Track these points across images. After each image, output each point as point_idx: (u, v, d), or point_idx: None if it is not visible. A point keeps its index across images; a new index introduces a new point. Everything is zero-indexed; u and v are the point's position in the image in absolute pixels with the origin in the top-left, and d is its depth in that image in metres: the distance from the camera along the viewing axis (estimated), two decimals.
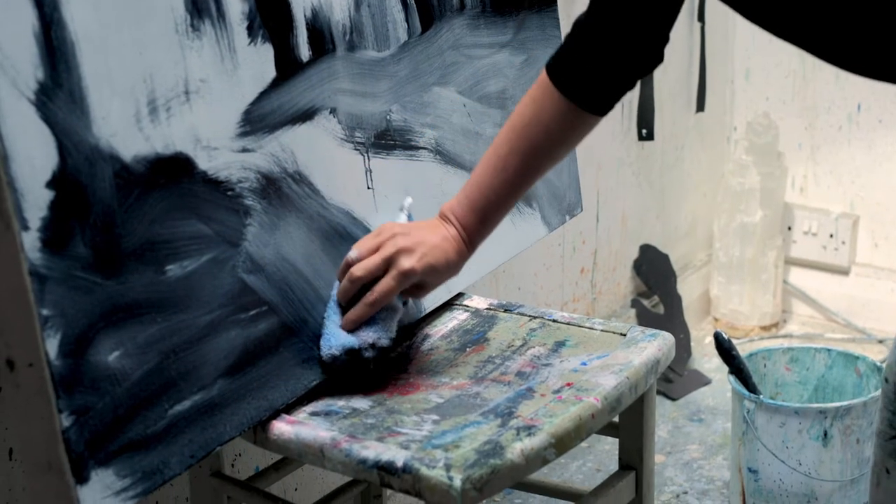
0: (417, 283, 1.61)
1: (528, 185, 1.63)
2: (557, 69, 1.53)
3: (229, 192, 1.50)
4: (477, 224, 1.62)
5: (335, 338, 1.59)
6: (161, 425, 1.39)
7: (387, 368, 1.68)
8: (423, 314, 1.79)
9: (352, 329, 1.59)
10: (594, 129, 1.59)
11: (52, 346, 1.28)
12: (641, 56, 1.51)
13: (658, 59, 1.53)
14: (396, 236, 1.59)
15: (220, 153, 1.48)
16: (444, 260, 1.60)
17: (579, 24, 1.52)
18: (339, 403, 1.61)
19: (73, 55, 1.32)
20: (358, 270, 1.58)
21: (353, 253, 1.59)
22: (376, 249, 1.59)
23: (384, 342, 1.62)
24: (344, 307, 1.61)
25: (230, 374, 1.48)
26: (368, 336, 1.60)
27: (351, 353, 1.59)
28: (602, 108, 1.55)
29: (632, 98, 2.92)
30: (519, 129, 1.57)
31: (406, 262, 1.58)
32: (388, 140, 1.73)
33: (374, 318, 1.60)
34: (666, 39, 1.52)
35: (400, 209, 1.72)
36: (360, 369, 1.62)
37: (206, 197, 1.46)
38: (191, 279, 1.44)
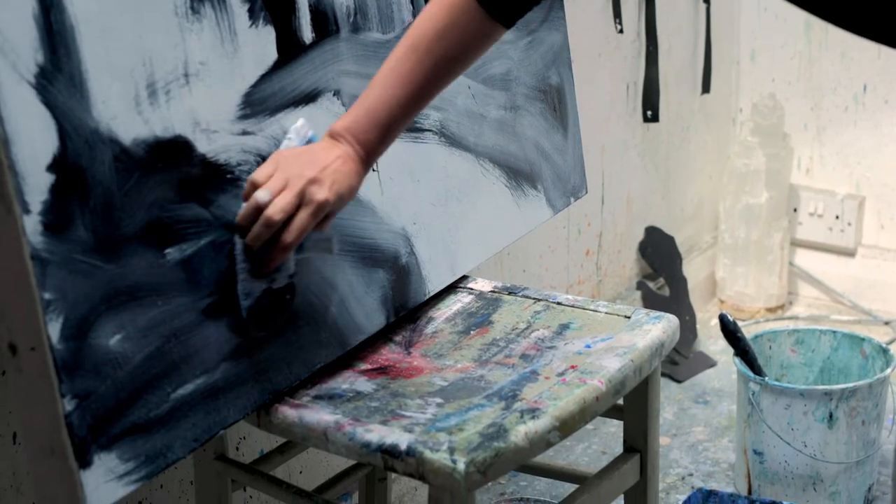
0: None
1: (429, 100, 1.58)
2: None
3: (229, 175, 1.49)
4: (376, 142, 1.55)
5: (251, 285, 1.51)
6: (164, 409, 1.38)
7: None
8: (428, 297, 1.79)
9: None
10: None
11: (53, 329, 1.27)
12: None
13: None
14: (302, 167, 1.50)
15: (220, 136, 1.48)
16: (348, 185, 1.53)
17: None
18: (343, 386, 1.61)
19: (73, 39, 1.31)
20: (276, 214, 1.47)
21: (262, 194, 1.47)
22: (284, 185, 1.48)
23: (291, 272, 1.56)
24: (255, 250, 1.51)
25: (233, 357, 1.47)
26: (282, 276, 1.54)
27: (271, 295, 1.54)
28: (508, 18, 1.54)
29: (637, 79, 2.91)
30: (427, 41, 1.53)
31: (319, 194, 1.49)
32: None
33: None
34: None
35: (291, 133, 1.58)
36: (281, 308, 1.56)
37: (205, 180, 1.46)
38: (191, 262, 1.43)
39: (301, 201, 1.48)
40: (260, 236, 1.48)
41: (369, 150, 1.54)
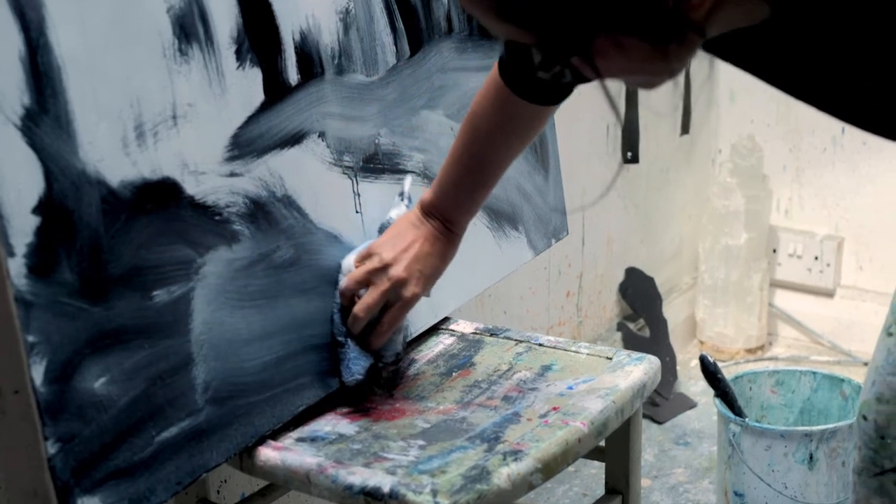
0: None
1: (500, 172, 1.64)
2: (503, 64, 1.55)
3: (217, 217, 1.49)
4: (462, 216, 1.64)
5: (356, 363, 1.63)
6: (148, 452, 1.38)
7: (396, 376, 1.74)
8: (410, 339, 1.79)
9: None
10: (547, 123, 1.63)
11: (37, 372, 1.27)
12: None
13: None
14: (388, 267, 1.60)
15: (208, 178, 1.48)
16: (439, 263, 1.63)
17: None
18: (326, 429, 1.60)
19: (60, 80, 1.31)
20: (360, 312, 1.61)
21: (345, 285, 1.62)
22: (367, 282, 1.61)
23: (393, 356, 1.68)
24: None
25: (217, 399, 1.47)
26: (389, 353, 1.67)
27: (370, 372, 1.65)
28: (545, 100, 1.56)
29: (616, 121, 2.92)
30: (484, 129, 1.59)
31: (407, 292, 1.61)
32: (376, 164, 1.73)
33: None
34: None
35: (400, 197, 1.72)
36: (376, 383, 1.69)
37: (193, 222, 1.46)
38: (178, 304, 1.43)
39: (390, 299, 1.60)
40: (354, 326, 1.62)
41: (456, 224, 1.63)
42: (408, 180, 1.73)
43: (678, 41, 1.03)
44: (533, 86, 1.53)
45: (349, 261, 1.64)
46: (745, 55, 1.17)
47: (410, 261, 1.60)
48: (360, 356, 1.63)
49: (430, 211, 1.63)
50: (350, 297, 1.63)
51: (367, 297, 1.60)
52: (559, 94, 1.55)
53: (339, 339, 1.63)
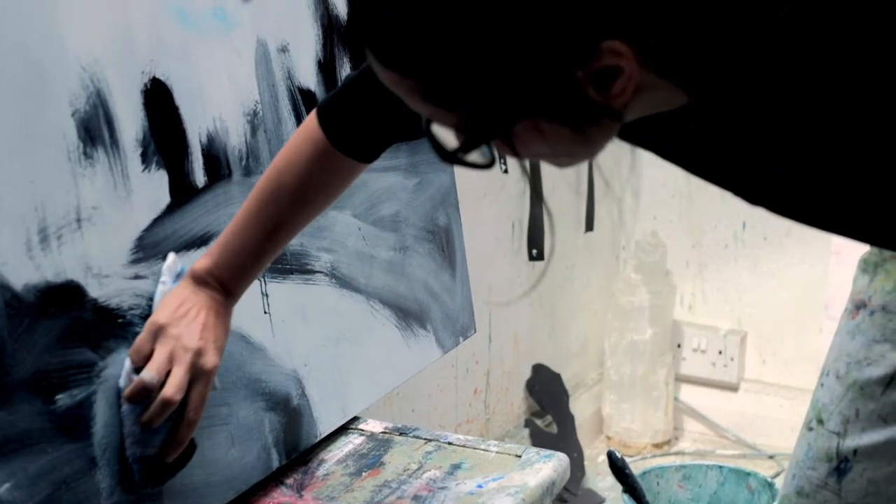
0: None
1: (292, 238, 1.56)
2: (326, 114, 1.47)
3: (120, 320, 1.48)
4: (240, 286, 1.53)
5: (145, 450, 1.47)
6: None
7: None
8: (319, 438, 1.78)
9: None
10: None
11: None
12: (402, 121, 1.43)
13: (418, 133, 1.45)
14: (181, 337, 1.46)
15: (112, 280, 1.47)
16: (225, 337, 1.52)
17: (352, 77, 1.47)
18: None
19: None
20: (175, 394, 1.43)
21: (150, 375, 1.43)
22: (168, 361, 1.45)
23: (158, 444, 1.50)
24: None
25: (122, 502, 1.45)
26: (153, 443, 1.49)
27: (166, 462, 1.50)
28: (364, 157, 1.49)
29: (521, 218, 2.95)
30: (287, 184, 1.49)
31: (209, 363, 1.46)
32: (284, 264, 1.73)
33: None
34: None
35: (165, 275, 1.54)
36: (177, 467, 1.53)
37: (96, 325, 1.44)
38: (81, 408, 1.41)
39: (192, 374, 1.45)
40: (159, 416, 1.44)
41: (233, 292, 1.53)
42: (170, 258, 1.56)
43: (598, 126, 1.05)
44: (358, 140, 1.47)
45: (128, 372, 1.48)
46: (659, 140, 1.19)
47: (202, 330, 1.48)
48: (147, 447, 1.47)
49: (205, 280, 1.51)
50: (142, 392, 1.43)
51: (174, 378, 1.43)
52: (382, 148, 1.50)
53: (132, 439, 1.46)
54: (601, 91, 1.01)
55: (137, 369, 1.45)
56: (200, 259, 1.53)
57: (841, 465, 1.57)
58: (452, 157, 1.08)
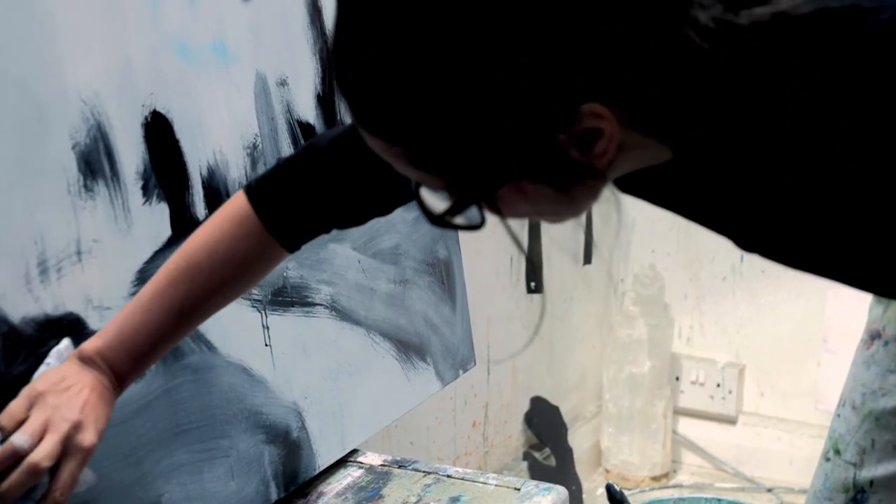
0: None
1: (196, 325, 1.45)
2: (258, 193, 1.39)
3: None
4: (131, 372, 1.40)
5: None
6: None
7: None
8: (318, 471, 1.77)
9: None
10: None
11: None
12: (346, 211, 1.40)
13: (362, 220, 1.41)
14: (60, 407, 1.32)
15: (112, 313, 1.46)
16: (106, 420, 1.36)
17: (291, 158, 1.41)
18: None
19: None
20: (44, 461, 1.28)
21: (21, 439, 1.28)
22: (43, 427, 1.31)
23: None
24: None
25: None
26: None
27: None
28: (295, 244, 1.41)
29: (520, 252, 2.96)
30: (200, 265, 1.38)
31: (86, 440, 1.32)
32: (284, 297, 1.73)
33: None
34: (383, 209, 1.41)
35: (52, 357, 1.40)
36: None
37: None
38: None
39: (66, 447, 1.31)
40: (22, 485, 1.29)
41: (123, 378, 1.39)
42: (64, 342, 1.41)
43: (581, 185, 1.06)
44: (290, 223, 1.39)
45: None
46: (650, 189, 1.20)
47: (84, 406, 1.33)
48: None
49: (93, 360, 1.37)
50: (10, 457, 1.29)
51: (46, 443, 1.29)
52: (311, 236, 1.42)
53: None
54: (583, 152, 1.02)
55: (6, 437, 1.30)
56: (91, 339, 1.39)
57: (857, 495, 1.57)
58: (441, 221, 1.09)
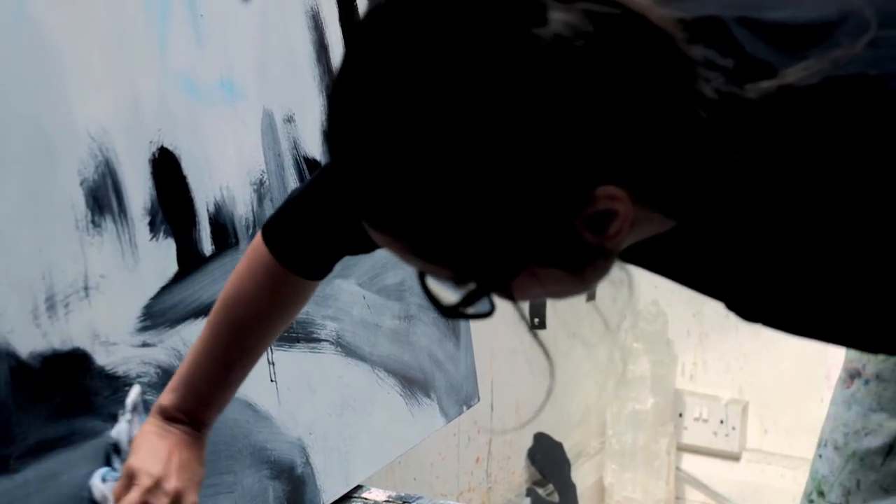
0: None
1: (257, 358, 1.49)
2: (272, 236, 1.42)
3: (127, 388, 1.48)
4: (213, 412, 1.48)
5: None
6: None
7: None
8: None
9: None
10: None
11: None
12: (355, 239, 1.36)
13: (367, 248, 1.39)
14: (160, 482, 1.41)
15: (119, 348, 1.47)
16: (200, 468, 1.46)
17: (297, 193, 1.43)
18: None
19: None
20: None
21: None
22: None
23: None
24: None
25: None
26: None
27: None
28: (312, 274, 1.44)
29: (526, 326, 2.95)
30: (242, 316, 1.44)
31: (188, 500, 1.43)
32: (290, 333, 1.73)
33: None
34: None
35: (128, 412, 1.50)
36: None
37: (103, 393, 1.44)
38: (87, 478, 1.41)
39: None
40: None
41: (207, 422, 1.48)
42: (135, 391, 1.51)
43: (593, 266, 1.05)
44: (309, 260, 1.42)
45: (101, 487, 1.45)
46: (650, 258, 1.19)
47: (179, 471, 1.43)
48: None
49: (173, 416, 1.45)
50: None
51: None
52: (335, 262, 1.44)
53: None
54: (598, 233, 1.01)
55: None
56: (165, 394, 1.46)
57: None
58: (453, 312, 1.06)
